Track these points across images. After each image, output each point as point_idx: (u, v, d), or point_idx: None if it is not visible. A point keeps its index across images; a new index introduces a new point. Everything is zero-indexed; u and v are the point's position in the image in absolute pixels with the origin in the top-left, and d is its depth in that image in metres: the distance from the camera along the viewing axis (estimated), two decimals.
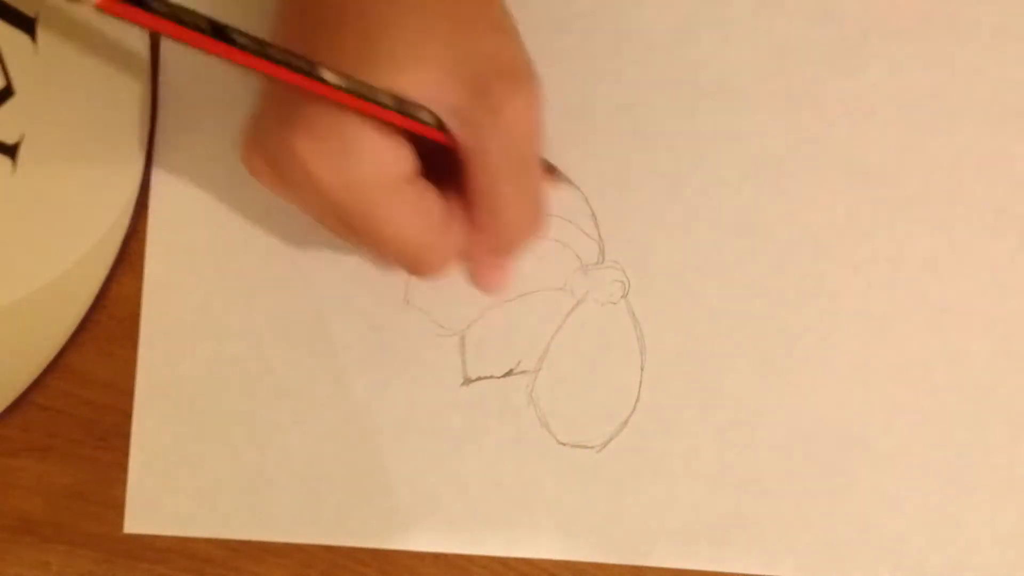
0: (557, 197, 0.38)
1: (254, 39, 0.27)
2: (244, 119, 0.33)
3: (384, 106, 0.29)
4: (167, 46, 0.39)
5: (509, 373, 0.38)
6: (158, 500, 0.38)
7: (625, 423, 0.38)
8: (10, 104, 0.33)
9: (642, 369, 0.38)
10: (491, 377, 0.38)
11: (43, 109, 0.34)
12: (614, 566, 0.38)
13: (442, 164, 0.32)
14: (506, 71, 0.31)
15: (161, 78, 0.39)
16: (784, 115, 0.38)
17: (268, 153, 0.31)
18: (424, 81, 0.30)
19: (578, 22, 0.39)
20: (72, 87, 0.35)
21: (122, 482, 0.39)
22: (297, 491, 0.38)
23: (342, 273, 0.38)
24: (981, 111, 0.38)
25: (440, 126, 0.31)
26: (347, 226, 0.31)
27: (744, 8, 0.38)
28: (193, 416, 0.38)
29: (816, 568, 0.37)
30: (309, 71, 0.28)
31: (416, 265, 0.32)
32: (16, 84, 0.33)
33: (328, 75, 0.28)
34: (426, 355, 0.38)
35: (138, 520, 0.38)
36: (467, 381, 0.38)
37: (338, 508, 0.38)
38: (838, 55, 0.38)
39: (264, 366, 0.38)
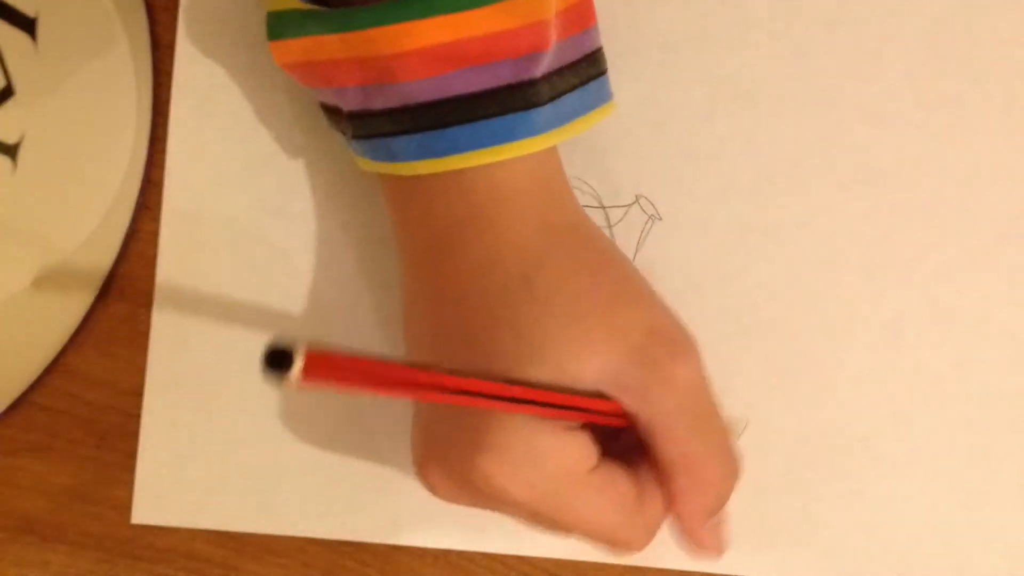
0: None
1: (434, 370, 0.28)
2: (414, 437, 0.33)
3: (563, 408, 0.30)
4: (179, 56, 0.39)
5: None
6: (166, 492, 0.38)
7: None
8: (10, 104, 0.33)
9: None
10: None
11: (43, 109, 0.34)
12: (614, 566, 0.38)
13: (623, 441, 0.33)
14: (663, 339, 0.32)
15: (175, 84, 0.39)
16: (800, 120, 0.38)
17: (453, 472, 0.31)
18: (592, 368, 0.31)
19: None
20: (72, 87, 0.35)
21: (123, 482, 0.39)
22: (304, 486, 0.38)
23: (351, 268, 0.38)
24: (996, 118, 0.37)
25: (616, 411, 0.31)
26: (544, 524, 0.32)
27: (761, 13, 0.38)
28: (202, 410, 0.38)
29: (824, 572, 0.37)
30: (495, 394, 0.29)
31: (618, 546, 0.32)
32: (16, 84, 0.32)
33: (509, 390, 0.29)
34: None
35: (145, 511, 0.38)
36: None
37: (345, 503, 0.38)
38: (855, 60, 0.38)
39: None
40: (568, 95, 0.33)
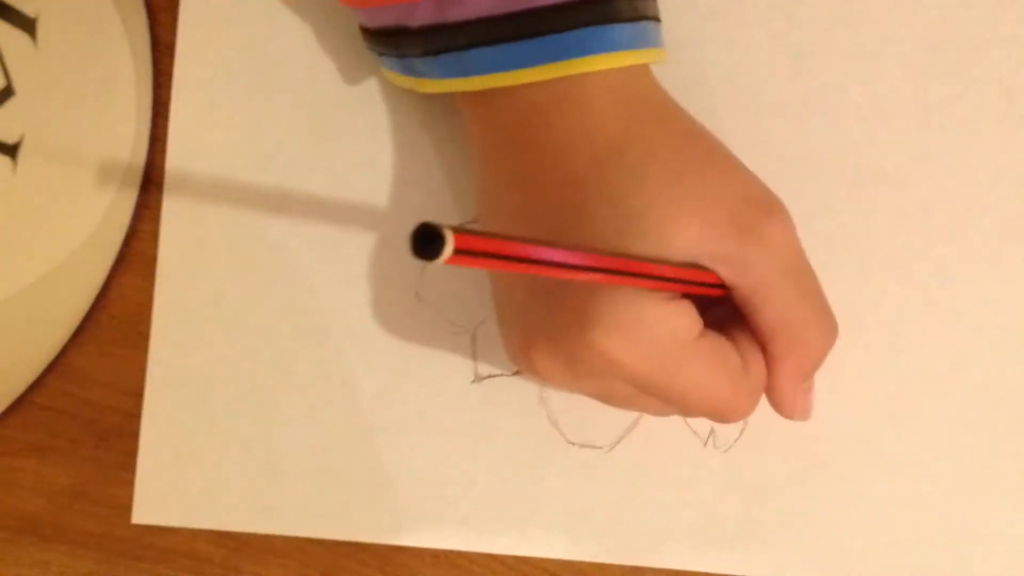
0: None
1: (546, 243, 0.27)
2: (510, 325, 0.33)
3: (670, 280, 0.30)
4: (180, 54, 0.39)
5: (520, 371, 0.38)
6: (166, 492, 0.38)
7: (635, 424, 0.38)
8: (10, 104, 0.33)
9: None
10: (502, 375, 0.38)
11: (43, 109, 0.34)
12: (614, 567, 0.38)
13: (714, 313, 0.33)
14: (756, 204, 0.32)
15: (175, 83, 0.39)
16: (800, 120, 0.38)
17: (561, 351, 0.31)
18: (690, 239, 0.31)
19: None
20: (72, 87, 0.35)
21: (123, 482, 0.39)
22: (305, 486, 0.38)
23: (354, 269, 0.38)
24: (997, 119, 0.37)
25: (714, 281, 0.31)
26: (654, 397, 0.32)
27: (760, 12, 0.38)
28: (202, 409, 0.38)
29: (825, 572, 0.37)
30: (604, 268, 0.28)
31: (726, 414, 0.32)
32: (16, 84, 0.32)
33: (612, 262, 0.28)
34: (437, 352, 0.38)
35: (146, 511, 0.38)
36: (478, 379, 0.38)
37: (346, 503, 0.38)
38: (854, 61, 0.38)
39: (274, 360, 0.38)
40: (645, 22, 0.33)
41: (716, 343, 0.32)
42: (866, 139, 0.38)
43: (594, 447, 0.38)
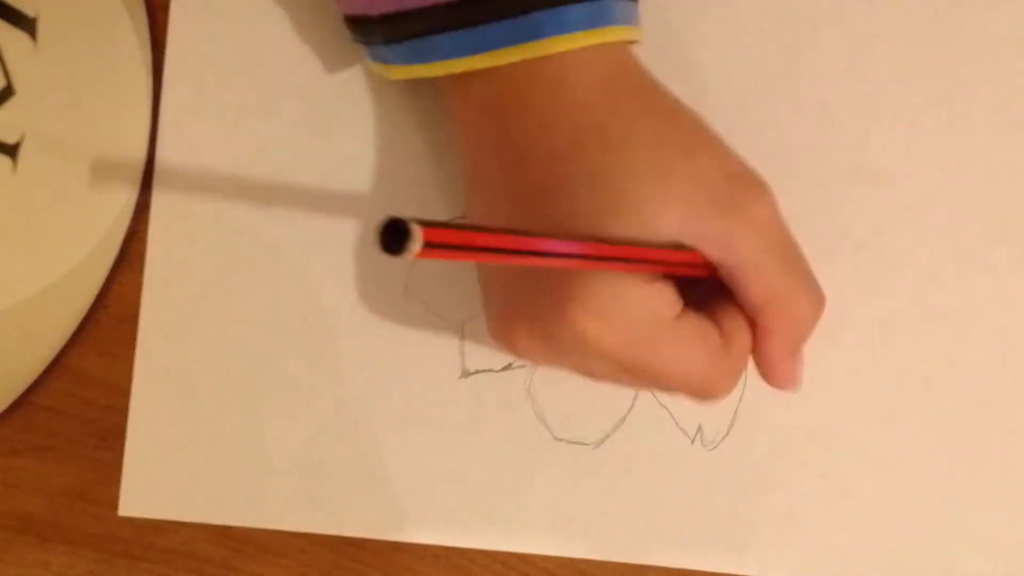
0: None
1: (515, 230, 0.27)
2: (492, 304, 0.33)
3: (650, 262, 0.30)
4: (170, 48, 0.39)
5: (508, 367, 0.38)
6: (153, 484, 0.38)
7: (622, 420, 0.38)
8: (10, 104, 0.33)
9: None
10: (490, 371, 0.38)
11: (43, 109, 0.34)
12: (614, 567, 0.38)
13: (700, 294, 0.33)
14: (738, 181, 0.32)
15: (165, 77, 0.39)
16: (790, 119, 0.38)
17: (541, 329, 0.31)
18: (672, 220, 0.31)
19: None
20: (72, 87, 0.36)
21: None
22: (293, 480, 0.38)
23: (342, 264, 0.39)
24: (987, 118, 0.38)
25: (696, 261, 0.31)
26: (633, 375, 0.32)
27: (752, 10, 0.38)
28: (190, 402, 0.38)
29: (811, 570, 0.37)
30: (574, 253, 0.28)
31: (705, 393, 0.32)
32: (16, 84, 0.33)
33: (586, 247, 0.29)
34: (425, 347, 0.38)
35: (133, 504, 0.38)
36: (465, 374, 0.38)
37: (334, 498, 0.38)
38: (845, 59, 0.38)
39: (262, 355, 0.39)
40: (609, 1, 0.32)
41: (696, 322, 0.32)
42: (857, 137, 0.38)
43: (581, 444, 0.38)
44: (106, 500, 0.39)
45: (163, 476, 0.38)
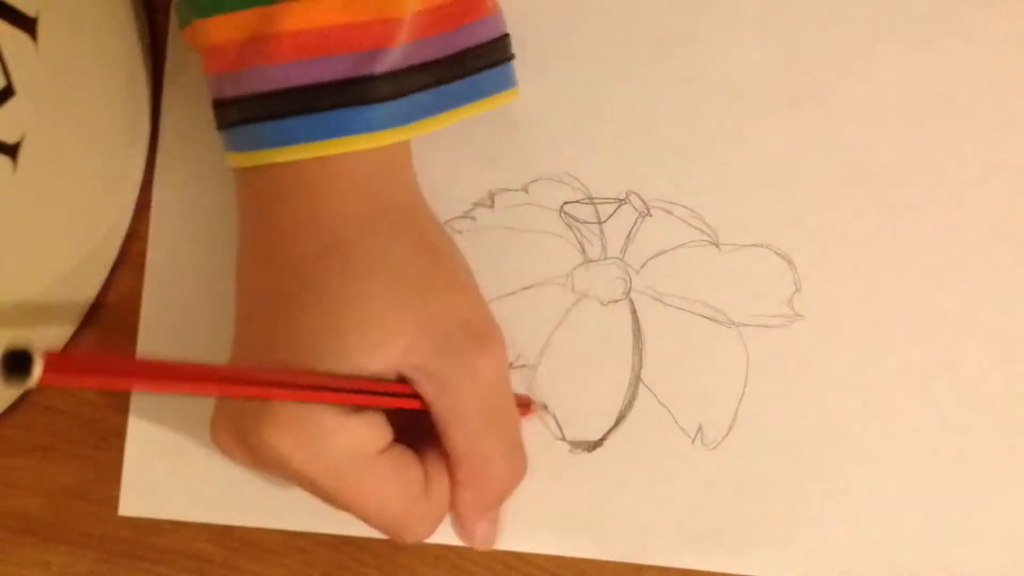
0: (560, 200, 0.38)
1: (198, 367, 0.28)
2: (216, 410, 0.33)
3: (349, 392, 0.30)
4: (171, 47, 0.39)
5: (509, 367, 0.38)
6: (153, 484, 0.38)
7: (623, 420, 0.38)
8: (11, 104, 0.33)
9: (641, 367, 0.38)
10: None
11: (44, 109, 0.34)
12: (614, 567, 0.38)
13: (417, 424, 0.33)
14: (471, 329, 0.32)
15: (166, 76, 0.39)
16: (790, 117, 0.38)
17: (242, 441, 0.32)
18: (394, 352, 0.31)
19: (586, 21, 0.39)
20: (73, 87, 0.36)
21: None
22: None
23: None
24: (987, 117, 0.38)
25: (413, 393, 0.32)
26: (328, 501, 0.32)
27: (752, 9, 0.38)
28: (190, 402, 0.38)
29: (811, 570, 0.37)
30: (269, 381, 0.29)
31: (401, 532, 0.33)
32: (17, 84, 0.33)
33: (284, 391, 0.29)
34: None
35: (133, 504, 0.38)
36: None
37: None
38: (845, 58, 0.38)
39: None
40: (418, 94, 0.32)
41: (400, 460, 0.32)
42: (856, 138, 0.38)
43: (581, 443, 0.38)
44: (106, 500, 0.39)
45: (163, 476, 0.38)
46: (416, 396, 0.32)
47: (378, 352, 0.31)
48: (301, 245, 0.32)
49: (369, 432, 0.31)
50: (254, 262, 0.33)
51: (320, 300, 0.31)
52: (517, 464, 0.34)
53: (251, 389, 0.30)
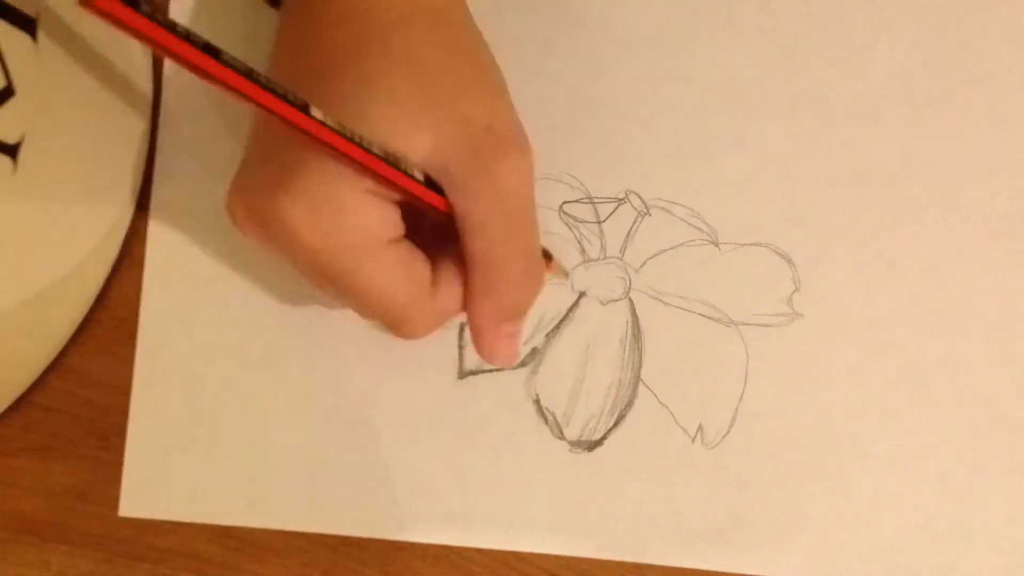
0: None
1: (244, 64, 0.27)
2: (235, 179, 0.33)
3: (376, 156, 0.29)
4: None
5: (500, 368, 0.38)
6: (153, 484, 0.38)
7: (623, 419, 0.38)
8: (11, 104, 0.33)
9: (640, 366, 0.38)
10: (488, 371, 0.38)
11: (44, 109, 0.34)
12: (614, 567, 0.38)
13: (433, 234, 0.33)
14: (500, 135, 0.31)
15: (165, 77, 0.39)
16: (789, 117, 0.38)
17: (255, 211, 0.31)
18: (419, 146, 0.30)
19: (587, 20, 0.39)
20: (73, 87, 0.36)
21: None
22: (293, 480, 0.38)
23: None
24: (987, 116, 0.38)
25: (434, 189, 0.31)
26: (332, 283, 0.32)
27: (752, 9, 0.38)
28: (190, 402, 0.38)
29: (812, 569, 0.37)
30: (301, 106, 0.28)
31: (399, 325, 0.32)
32: (17, 84, 0.33)
33: (319, 114, 0.28)
34: (424, 347, 0.38)
35: (133, 504, 0.38)
36: (464, 374, 0.38)
37: (334, 498, 0.38)
38: (845, 58, 0.38)
39: (262, 355, 0.39)
40: None
41: (409, 254, 0.31)
42: (856, 137, 0.38)
43: (581, 443, 0.38)
44: (106, 500, 0.39)
45: (163, 476, 0.38)
46: (441, 193, 0.31)
47: (406, 139, 0.30)
48: (344, 32, 0.31)
49: (382, 217, 0.31)
50: (294, 47, 0.33)
51: (360, 80, 0.31)
52: (534, 273, 0.33)
53: (292, 113, 0.28)
